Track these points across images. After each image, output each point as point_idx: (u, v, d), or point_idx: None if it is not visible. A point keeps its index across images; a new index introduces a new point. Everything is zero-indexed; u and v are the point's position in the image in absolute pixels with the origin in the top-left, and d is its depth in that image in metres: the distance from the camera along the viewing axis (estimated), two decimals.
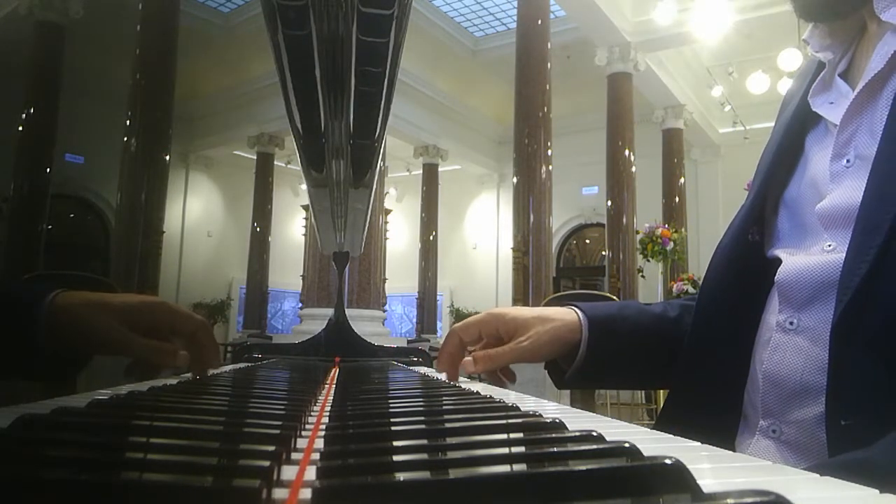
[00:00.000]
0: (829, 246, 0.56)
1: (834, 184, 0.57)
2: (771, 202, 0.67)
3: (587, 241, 14.02)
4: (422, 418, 0.37)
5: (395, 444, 0.29)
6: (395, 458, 0.25)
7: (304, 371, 0.89)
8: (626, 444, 0.25)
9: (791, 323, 0.57)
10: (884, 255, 0.48)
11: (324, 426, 0.34)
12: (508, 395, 0.57)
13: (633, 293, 9.06)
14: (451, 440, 0.31)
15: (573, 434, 0.29)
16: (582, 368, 0.74)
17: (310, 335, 1.15)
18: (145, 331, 0.61)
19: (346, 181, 0.84)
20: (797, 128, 0.66)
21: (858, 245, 0.50)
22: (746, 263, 0.66)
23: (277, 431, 0.29)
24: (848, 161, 0.57)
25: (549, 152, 7.74)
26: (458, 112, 13.13)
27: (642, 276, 8.73)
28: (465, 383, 0.70)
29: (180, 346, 0.64)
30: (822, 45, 0.65)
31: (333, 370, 0.87)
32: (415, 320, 13.53)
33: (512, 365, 0.77)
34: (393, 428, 0.33)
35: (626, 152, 9.47)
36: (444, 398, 0.50)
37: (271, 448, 0.24)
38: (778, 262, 0.62)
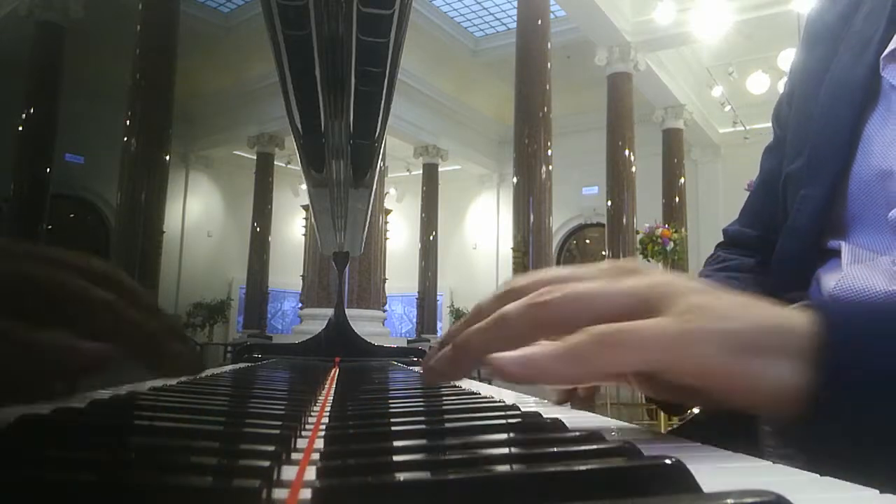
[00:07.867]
0: None
1: None
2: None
3: (587, 241, 14.02)
4: (422, 418, 0.37)
5: (395, 444, 0.29)
6: (395, 458, 0.25)
7: (304, 371, 0.89)
8: (626, 444, 0.25)
9: None
10: None
11: (324, 426, 0.34)
12: (507, 395, 0.57)
13: None
14: (450, 440, 0.31)
15: (573, 434, 0.29)
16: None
17: (310, 335, 1.15)
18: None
19: (346, 181, 0.84)
20: (855, 93, 0.51)
21: None
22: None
23: (277, 431, 0.29)
24: None
25: (549, 152, 7.74)
26: (458, 112, 13.14)
27: None
28: (464, 383, 0.70)
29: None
30: None
31: (333, 370, 0.87)
32: (415, 320, 13.54)
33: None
34: (393, 428, 0.33)
35: (626, 152, 9.47)
36: (444, 398, 0.50)
37: (271, 448, 0.24)
38: (833, 254, 0.51)
